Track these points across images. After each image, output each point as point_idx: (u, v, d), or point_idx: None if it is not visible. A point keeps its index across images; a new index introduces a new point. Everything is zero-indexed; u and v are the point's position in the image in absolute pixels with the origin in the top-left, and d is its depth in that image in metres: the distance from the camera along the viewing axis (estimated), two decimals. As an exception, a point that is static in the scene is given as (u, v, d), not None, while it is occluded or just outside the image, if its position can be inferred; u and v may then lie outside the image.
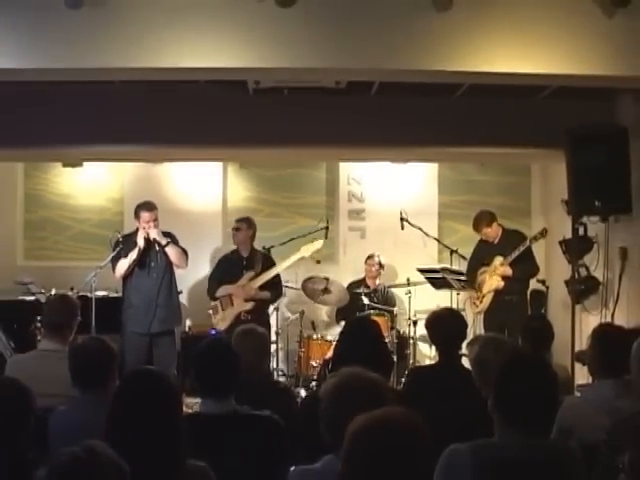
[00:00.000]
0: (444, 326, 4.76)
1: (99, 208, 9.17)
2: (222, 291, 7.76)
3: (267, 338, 4.61)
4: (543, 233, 7.72)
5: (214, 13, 5.20)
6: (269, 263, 7.84)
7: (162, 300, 7.16)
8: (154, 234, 7.09)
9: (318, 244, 7.99)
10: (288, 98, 7.11)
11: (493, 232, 7.92)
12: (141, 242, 7.06)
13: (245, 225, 7.90)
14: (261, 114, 7.06)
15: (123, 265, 7.12)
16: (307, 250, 7.87)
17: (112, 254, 7.11)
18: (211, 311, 7.75)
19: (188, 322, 8.41)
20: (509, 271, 7.63)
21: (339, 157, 8.69)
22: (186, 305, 8.70)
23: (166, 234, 7.20)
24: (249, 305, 7.66)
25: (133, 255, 7.06)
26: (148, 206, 7.18)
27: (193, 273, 8.76)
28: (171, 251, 7.16)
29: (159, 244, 7.14)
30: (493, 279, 7.73)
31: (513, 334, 6.35)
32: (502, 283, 7.66)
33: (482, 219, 7.94)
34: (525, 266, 7.67)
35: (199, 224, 8.87)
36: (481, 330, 7.84)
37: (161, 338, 7.19)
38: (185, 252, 7.29)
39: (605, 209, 6.69)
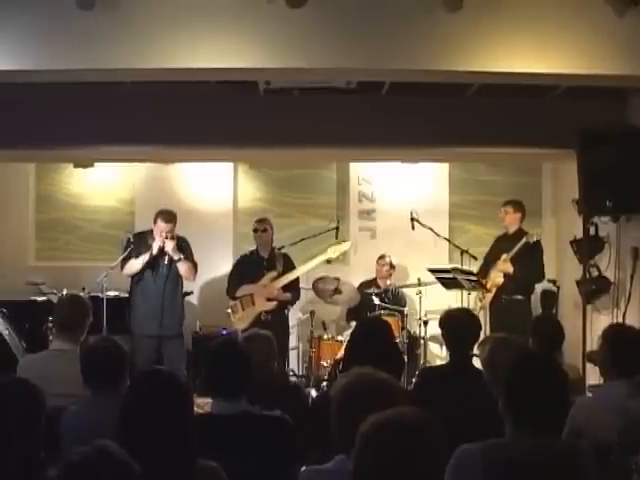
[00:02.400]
0: (459, 326, 4.74)
1: (110, 209, 9.19)
2: (243, 290, 7.75)
3: (272, 340, 4.61)
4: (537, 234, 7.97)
5: (224, 14, 5.21)
6: (289, 264, 7.87)
7: (166, 306, 7.18)
8: (169, 247, 7.11)
9: (345, 245, 8.01)
10: (298, 98, 7.11)
11: (509, 218, 8.05)
12: (155, 250, 7.09)
13: (269, 225, 7.92)
14: (272, 114, 7.07)
15: (133, 266, 7.14)
16: (334, 252, 7.87)
17: (124, 254, 7.13)
18: (230, 310, 7.73)
19: (199, 322, 8.42)
20: (509, 268, 7.70)
21: (349, 157, 8.69)
22: (197, 305, 8.71)
23: (180, 239, 7.22)
24: (271, 305, 7.66)
25: (145, 258, 7.09)
26: (167, 217, 7.16)
27: (204, 274, 8.75)
28: (182, 266, 7.20)
29: (171, 258, 7.15)
30: (495, 274, 7.80)
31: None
32: (501, 279, 7.70)
33: (514, 201, 8.12)
34: (528, 269, 7.70)
35: (210, 224, 8.87)
36: (487, 330, 7.84)
37: (169, 340, 7.21)
38: (195, 266, 7.32)
39: (616, 209, 6.67)
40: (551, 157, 8.29)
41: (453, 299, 8.11)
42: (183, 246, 7.28)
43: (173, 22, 5.18)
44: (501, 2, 5.35)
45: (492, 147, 7.37)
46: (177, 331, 7.32)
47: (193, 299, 8.52)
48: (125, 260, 7.19)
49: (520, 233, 7.93)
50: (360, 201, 9.31)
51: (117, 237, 7.73)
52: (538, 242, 7.82)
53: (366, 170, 9.25)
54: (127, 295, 7.64)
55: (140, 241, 7.18)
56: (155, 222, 7.17)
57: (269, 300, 7.67)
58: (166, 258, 7.17)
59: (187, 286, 7.67)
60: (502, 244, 8.03)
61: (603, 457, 3.26)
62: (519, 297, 7.71)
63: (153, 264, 7.18)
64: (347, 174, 9.30)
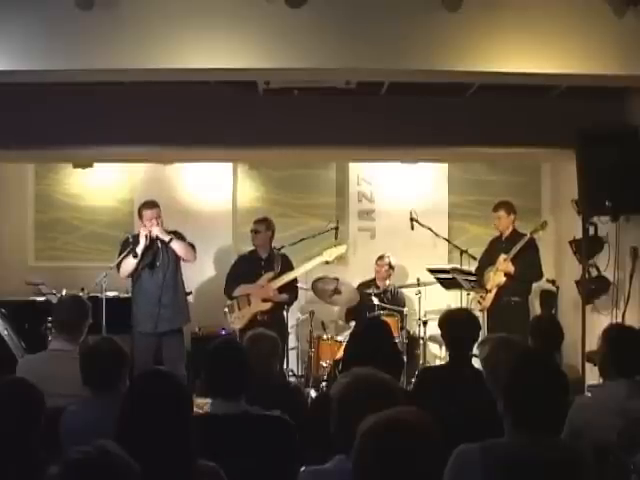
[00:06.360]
0: (458, 326, 4.74)
1: (109, 209, 9.19)
2: (240, 290, 7.74)
3: (277, 341, 4.62)
4: (543, 225, 7.97)
5: (224, 14, 5.20)
6: (287, 264, 7.85)
7: (167, 299, 7.16)
8: (156, 231, 7.10)
9: (342, 248, 7.98)
10: (298, 98, 7.10)
11: (504, 222, 8.02)
12: (142, 239, 7.07)
13: (264, 227, 7.87)
14: (271, 114, 7.07)
15: (128, 265, 7.13)
16: (330, 254, 7.85)
17: (123, 254, 7.11)
18: (227, 309, 7.72)
19: (198, 322, 8.41)
20: (511, 267, 7.70)
21: (349, 157, 8.69)
22: (196, 306, 8.69)
23: (172, 232, 7.21)
24: (267, 305, 7.65)
25: (139, 251, 7.07)
26: (150, 204, 7.20)
27: (203, 274, 8.79)
28: (176, 246, 7.16)
29: (162, 241, 7.14)
30: (497, 275, 7.80)
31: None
32: (504, 279, 7.70)
33: (505, 204, 8.07)
34: (528, 268, 7.71)
35: (209, 225, 8.87)
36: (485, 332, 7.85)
37: (169, 337, 7.19)
38: (192, 245, 7.29)
39: (615, 209, 6.66)
40: (550, 157, 8.29)
41: (452, 299, 8.12)
42: (175, 232, 7.26)
43: (172, 22, 5.18)
44: (500, 2, 5.35)
45: (492, 147, 7.37)
46: (177, 325, 7.30)
47: (192, 299, 8.51)
48: (125, 259, 7.17)
49: (515, 234, 7.93)
50: (359, 201, 9.31)
51: (117, 237, 7.71)
52: (533, 239, 7.83)
53: (365, 170, 9.26)
54: (127, 295, 7.63)
55: (138, 241, 7.16)
56: (140, 215, 7.20)
57: (265, 301, 7.67)
58: (158, 244, 7.15)
59: (186, 286, 7.65)
60: (498, 246, 8.01)
61: (602, 457, 3.26)
62: (517, 299, 7.72)
63: (149, 258, 7.16)
64: (346, 174, 9.30)
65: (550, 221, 8.30)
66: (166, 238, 7.13)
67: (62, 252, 9.20)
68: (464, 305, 7.92)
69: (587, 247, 7.19)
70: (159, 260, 7.19)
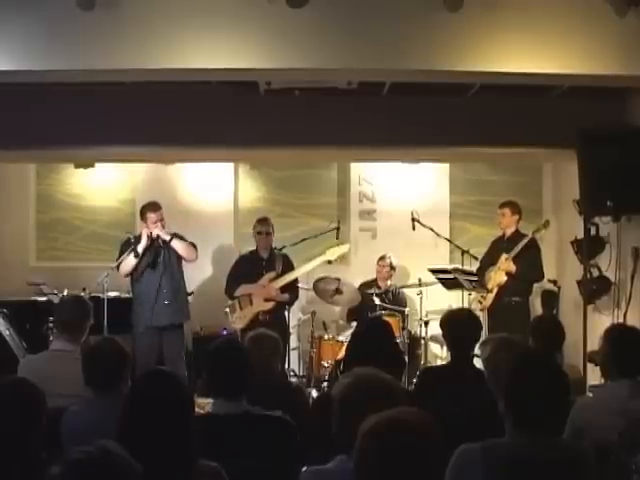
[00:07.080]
0: (460, 326, 4.74)
1: (111, 209, 9.19)
2: (242, 290, 7.74)
3: (278, 341, 4.62)
4: (545, 224, 7.97)
5: (225, 14, 5.20)
6: (288, 264, 7.86)
7: (168, 295, 7.16)
8: (157, 231, 7.12)
9: (345, 248, 7.99)
10: (299, 99, 7.10)
11: (507, 220, 8.01)
12: (144, 239, 7.09)
13: (271, 228, 7.89)
14: (272, 115, 7.07)
15: (128, 263, 7.13)
16: (333, 253, 7.85)
17: (125, 254, 7.11)
18: (228, 309, 7.71)
19: (199, 322, 8.41)
20: (512, 267, 7.68)
21: (350, 157, 8.69)
22: (197, 306, 8.68)
23: (171, 234, 7.21)
24: (268, 305, 7.65)
25: (140, 249, 7.07)
26: (153, 207, 7.22)
27: (204, 273, 8.79)
28: (177, 245, 7.18)
29: (163, 241, 7.15)
30: (498, 274, 7.78)
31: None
32: (505, 278, 7.69)
33: (512, 203, 8.07)
34: (529, 268, 7.69)
35: (210, 225, 8.88)
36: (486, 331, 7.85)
37: (169, 333, 7.20)
38: (193, 244, 7.30)
39: (617, 209, 6.66)
40: (551, 157, 8.28)
41: (454, 299, 8.11)
42: (175, 234, 7.27)
43: (173, 22, 5.18)
44: (501, 2, 5.35)
45: (492, 147, 7.37)
46: (177, 320, 7.31)
47: (193, 299, 8.51)
48: (123, 260, 7.17)
49: (517, 235, 7.92)
50: (361, 201, 9.31)
51: (118, 238, 7.71)
52: (534, 240, 7.82)
53: (367, 170, 9.25)
54: (128, 295, 7.63)
55: (139, 241, 7.17)
56: (144, 217, 7.21)
57: (267, 300, 7.67)
58: (160, 242, 7.15)
59: (187, 287, 7.65)
60: (500, 246, 8.01)
61: (604, 457, 3.26)
62: (517, 299, 7.71)
63: (151, 256, 7.17)
64: (348, 174, 9.30)
65: (552, 221, 8.28)
66: (167, 237, 7.15)
67: (63, 252, 9.20)
68: (465, 305, 7.92)
69: (588, 247, 7.20)
70: (160, 259, 7.20)
